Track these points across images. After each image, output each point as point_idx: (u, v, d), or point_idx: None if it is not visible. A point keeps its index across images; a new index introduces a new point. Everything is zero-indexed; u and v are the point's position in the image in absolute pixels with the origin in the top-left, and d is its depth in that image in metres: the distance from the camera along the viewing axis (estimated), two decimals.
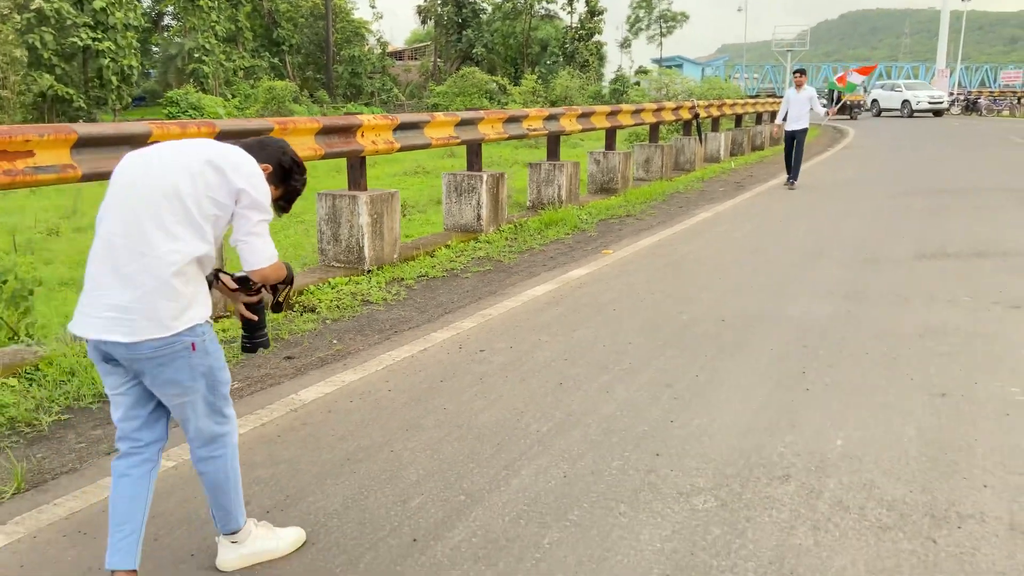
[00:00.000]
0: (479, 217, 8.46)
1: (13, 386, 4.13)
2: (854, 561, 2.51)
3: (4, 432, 3.72)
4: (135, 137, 4.83)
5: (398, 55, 63.35)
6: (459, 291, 6.42)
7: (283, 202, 2.59)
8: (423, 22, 62.58)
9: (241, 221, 2.31)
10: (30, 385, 4.19)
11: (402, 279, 6.73)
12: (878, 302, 5.58)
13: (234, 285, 2.49)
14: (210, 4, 38.59)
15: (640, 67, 59.97)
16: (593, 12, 44.57)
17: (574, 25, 44.87)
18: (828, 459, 3.20)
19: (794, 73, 13.00)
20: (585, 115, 10.59)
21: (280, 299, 2.59)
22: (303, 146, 6.10)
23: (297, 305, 5.93)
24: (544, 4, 44.78)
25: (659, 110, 13.08)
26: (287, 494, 3.06)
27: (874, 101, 40.06)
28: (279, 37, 45.73)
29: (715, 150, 16.26)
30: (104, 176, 4.67)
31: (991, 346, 4.55)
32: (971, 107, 42.96)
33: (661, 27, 65.92)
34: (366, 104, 42.69)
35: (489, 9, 44.75)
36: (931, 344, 4.61)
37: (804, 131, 12.56)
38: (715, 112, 15.94)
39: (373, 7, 55.38)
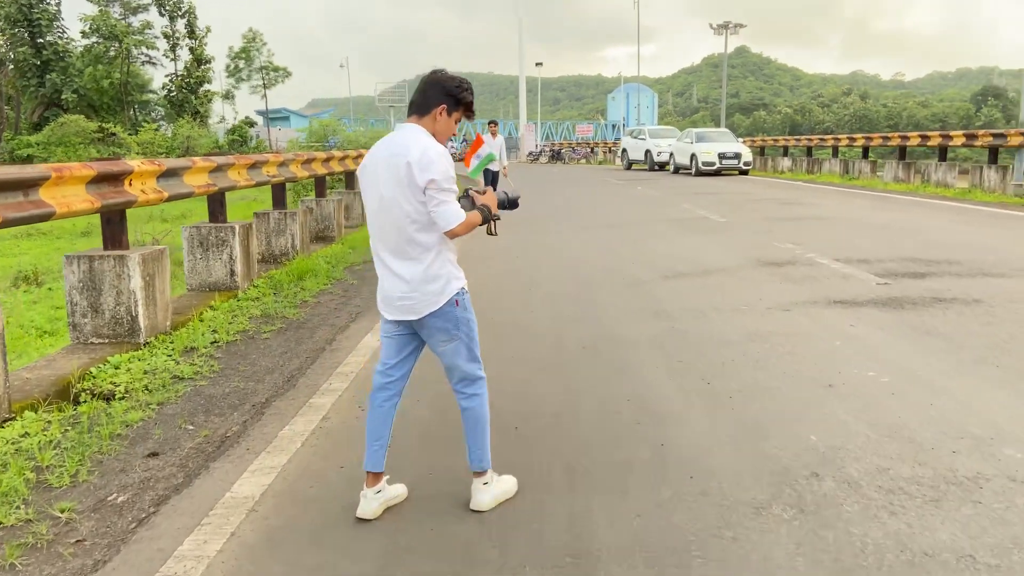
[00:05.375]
0: (233, 273, 7.56)
1: None
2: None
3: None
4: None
5: None
6: (274, 354, 5.69)
7: (468, 113, 3.12)
8: None
9: (430, 199, 2.90)
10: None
11: (195, 348, 5.75)
12: (683, 317, 6.25)
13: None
14: None
15: (246, 118, 58.37)
16: (200, 61, 42.35)
17: (180, 73, 42.11)
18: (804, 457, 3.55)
19: (489, 124, 14.55)
20: (308, 161, 10.12)
21: (490, 229, 3.23)
22: (78, 198, 4.93)
23: (85, 393, 4.73)
24: (144, 50, 41.33)
25: (359, 157, 12.99)
26: None
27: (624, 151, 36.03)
28: None
29: None
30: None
31: (811, 342, 5.40)
32: (556, 157, 49.73)
33: (264, 79, 64.79)
34: None
35: (76, 51, 39.88)
36: (768, 346, 5.32)
37: (498, 173, 14.08)
38: None
39: None
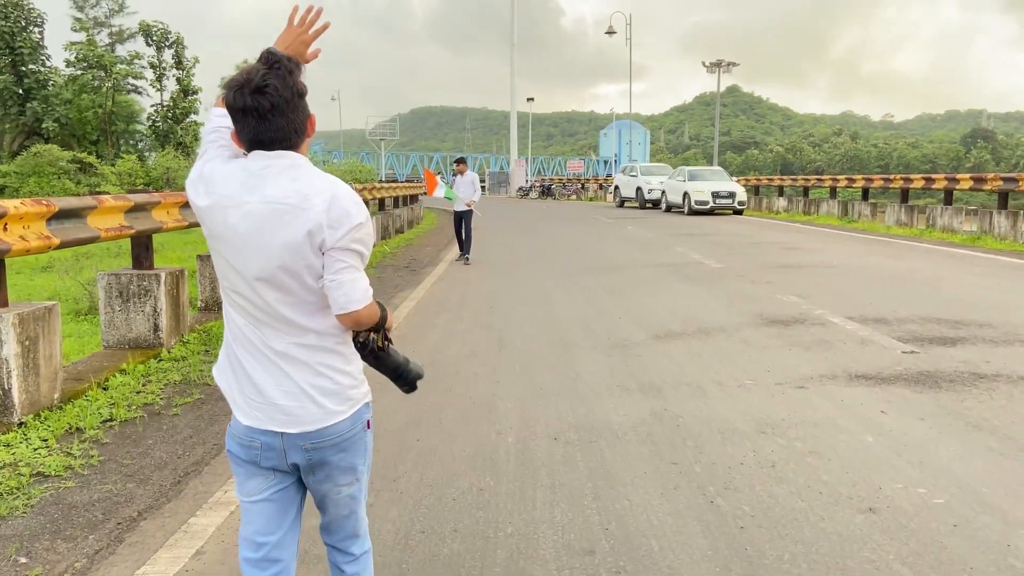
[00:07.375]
0: (157, 328, 6.51)
1: None
2: None
3: None
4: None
5: None
6: (176, 439, 4.64)
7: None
8: None
9: (333, 264, 1.88)
10: None
11: (80, 429, 4.70)
12: (678, 395, 5.23)
13: None
14: None
15: None
16: (187, 91, 41.54)
17: (166, 103, 41.29)
18: None
19: (456, 162, 13.85)
20: None
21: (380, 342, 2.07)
22: None
23: None
24: (130, 80, 40.60)
25: None
26: None
27: (617, 188, 34.56)
28: None
29: None
30: None
31: (837, 436, 4.37)
32: (546, 192, 48.96)
33: None
34: None
35: (59, 80, 39.06)
36: (783, 442, 4.29)
37: (471, 211, 13.33)
38: (368, 196, 15.33)
39: None
